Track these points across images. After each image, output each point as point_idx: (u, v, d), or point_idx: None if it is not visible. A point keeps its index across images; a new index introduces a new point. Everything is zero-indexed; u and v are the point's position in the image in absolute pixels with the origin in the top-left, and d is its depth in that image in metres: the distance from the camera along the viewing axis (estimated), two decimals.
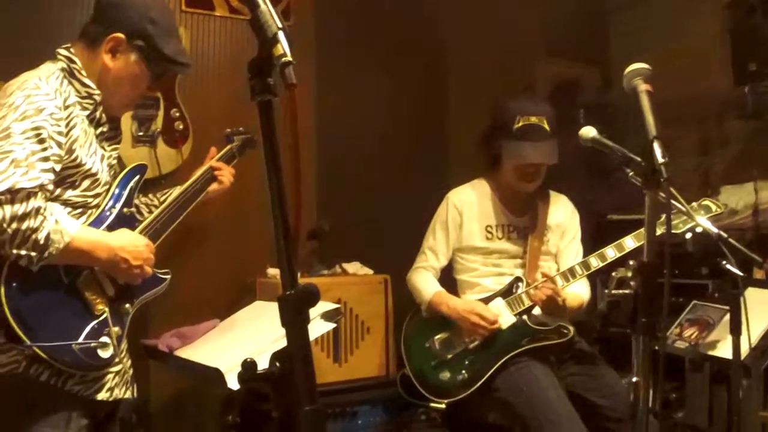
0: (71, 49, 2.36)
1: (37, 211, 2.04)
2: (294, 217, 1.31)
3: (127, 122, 3.25)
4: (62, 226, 2.11)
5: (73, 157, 2.24)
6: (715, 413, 3.64)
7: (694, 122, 4.56)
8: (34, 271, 2.10)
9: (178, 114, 3.45)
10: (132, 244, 2.34)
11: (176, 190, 2.83)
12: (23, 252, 2.03)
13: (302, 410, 1.22)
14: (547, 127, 3.24)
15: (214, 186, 2.93)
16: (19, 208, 2.01)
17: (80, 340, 2.20)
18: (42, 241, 2.05)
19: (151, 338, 3.12)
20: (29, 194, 2.04)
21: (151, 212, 2.73)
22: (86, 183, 2.31)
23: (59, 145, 2.16)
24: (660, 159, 1.83)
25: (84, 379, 2.26)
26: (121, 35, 2.33)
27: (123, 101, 2.48)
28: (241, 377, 1.28)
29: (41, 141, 2.10)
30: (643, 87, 1.99)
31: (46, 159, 2.11)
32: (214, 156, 3.02)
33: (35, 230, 2.03)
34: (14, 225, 2.00)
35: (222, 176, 2.95)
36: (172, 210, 2.68)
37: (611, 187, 4.51)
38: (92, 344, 2.23)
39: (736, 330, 2.55)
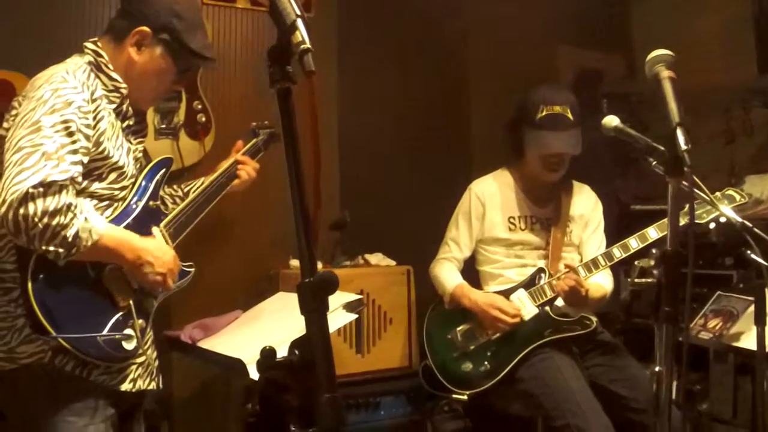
0: (98, 43, 2.37)
1: (68, 207, 2.05)
2: (313, 204, 1.31)
3: (149, 115, 3.27)
4: (91, 224, 2.11)
5: (100, 149, 2.25)
6: (740, 405, 3.61)
7: (718, 111, 4.51)
8: (61, 265, 2.12)
9: (200, 106, 3.47)
10: (160, 250, 2.35)
11: (201, 183, 2.85)
12: (51, 248, 2.04)
13: (321, 397, 1.23)
14: (570, 116, 3.22)
15: (237, 180, 2.94)
16: (51, 203, 2.01)
17: (105, 332, 2.21)
18: (71, 239, 2.05)
19: (173, 330, 3.13)
20: (61, 188, 2.04)
21: (175, 203, 2.75)
22: (113, 175, 2.32)
23: (87, 138, 2.18)
24: (683, 146, 1.81)
25: (108, 370, 2.27)
26: (146, 29, 2.35)
27: (149, 95, 2.49)
28: (260, 365, 1.28)
29: (70, 134, 2.12)
30: (665, 74, 1.96)
31: (75, 152, 2.12)
32: (240, 149, 3.02)
33: (65, 227, 2.04)
34: (45, 220, 2.00)
35: (243, 170, 2.95)
36: (198, 203, 2.70)
37: (635, 177, 4.48)
38: (116, 336, 2.23)
39: (760, 321, 2.52)
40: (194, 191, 2.78)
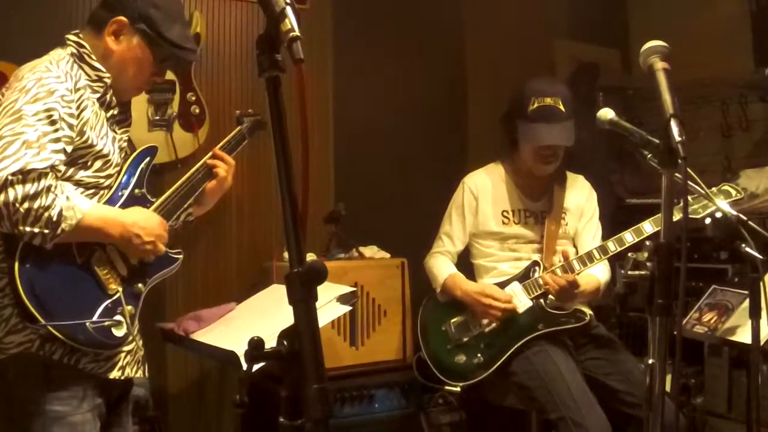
0: (80, 35, 2.37)
1: (48, 189, 2.06)
2: (302, 193, 1.30)
3: (143, 106, 3.26)
4: (74, 203, 2.12)
5: (84, 138, 2.24)
6: (735, 399, 3.61)
7: (716, 105, 4.51)
8: (48, 250, 2.11)
9: (194, 98, 3.46)
10: (144, 219, 2.36)
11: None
12: (36, 230, 2.05)
13: (310, 388, 1.22)
14: (562, 108, 3.20)
15: (212, 183, 2.76)
16: (31, 188, 2.02)
17: (94, 319, 2.21)
18: (54, 218, 2.06)
19: (167, 321, 3.13)
20: (40, 175, 2.05)
21: None
22: (98, 164, 2.32)
23: (70, 127, 2.17)
24: (677, 137, 1.79)
25: (97, 358, 2.26)
26: (123, 18, 2.34)
27: (128, 85, 2.46)
28: (248, 355, 1.27)
29: (52, 122, 2.12)
30: (660, 65, 1.94)
31: (57, 140, 2.12)
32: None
33: (47, 208, 2.04)
34: (26, 205, 2.01)
35: (218, 167, 2.76)
36: (184, 190, 2.67)
37: (631, 171, 4.48)
38: (106, 323, 2.23)
39: (755, 314, 2.52)
40: (179, 180, 2.75)
